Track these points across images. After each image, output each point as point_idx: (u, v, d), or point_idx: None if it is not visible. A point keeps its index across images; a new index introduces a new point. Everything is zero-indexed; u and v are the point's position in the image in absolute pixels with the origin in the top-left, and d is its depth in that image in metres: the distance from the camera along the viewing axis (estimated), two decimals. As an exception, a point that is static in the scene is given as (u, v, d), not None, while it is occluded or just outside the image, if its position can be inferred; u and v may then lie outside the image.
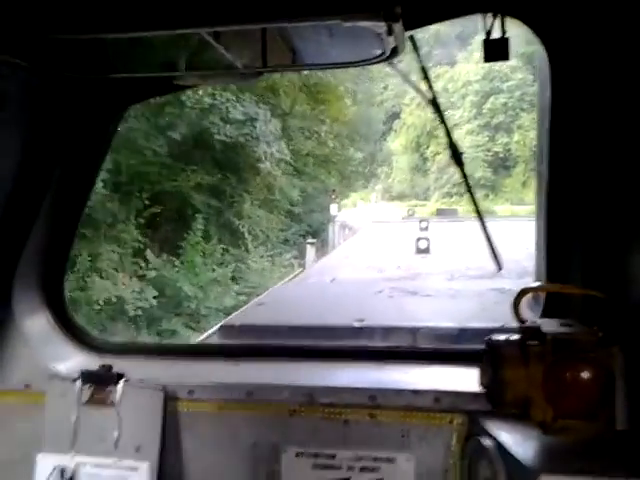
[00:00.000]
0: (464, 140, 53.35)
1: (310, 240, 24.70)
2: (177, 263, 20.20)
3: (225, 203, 22.99)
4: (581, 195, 2.03)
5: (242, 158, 22.49)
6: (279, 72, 2.93)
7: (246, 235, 22.99)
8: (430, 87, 2.28)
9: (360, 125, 37.83)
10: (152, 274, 19.13)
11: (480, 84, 58.99)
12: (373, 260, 8.16)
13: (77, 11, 1.70)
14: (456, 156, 2.28)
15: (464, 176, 2.34)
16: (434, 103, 2.29)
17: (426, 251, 8.61)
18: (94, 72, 2.15)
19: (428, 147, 60.08)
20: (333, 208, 25.28)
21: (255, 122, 21.40)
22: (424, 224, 10.59)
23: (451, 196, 51.42)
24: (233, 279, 21.18)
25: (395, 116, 65.09)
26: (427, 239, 8.79)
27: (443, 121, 2.34)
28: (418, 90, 2.26)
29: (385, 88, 61.56)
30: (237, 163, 22.64)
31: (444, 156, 54.47)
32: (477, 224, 2.39)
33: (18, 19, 1.70)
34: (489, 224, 2.42)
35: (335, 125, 30.18)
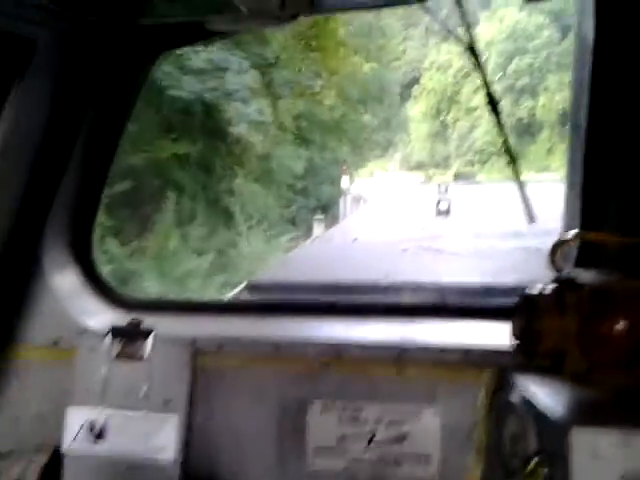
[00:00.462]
0: (486, 105, 50.91)
1: (318, 216, 23.35)
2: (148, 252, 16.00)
3: (213, 177, 19.04)
4: (619, 146, 1.97)
5: (215, 121, 17.89)
6: (305, 15, 2.87)
7: (237, 214, 19.29)
8: (469, 33, 2.19)
9: (374, 88, 34.31)
10: (107, 268, 13.33)
11: (504, 44, 54.48)
12: (393, 223, 8.12)
13: None
14: (493, 105, 2.21)
15: (500, 125, 2.27)
16: (472, 49, 2.21)
17: (446, 213, 8.55)
18: (125, 18, 2.12)
19: (448, 113, 56.40)
20: (344, 180, 24.56)
21: (224, 73, 16.53)
22: (443, 187, 10.52)
23: (472, 164, 49.16)
24: (220, 267, 16.74)
25: (414, 81, 60.86)
26: (447, 200, 8.72)
27: (481, 68, 2.26)
28: (454, 35, 2.18)
29: (404, 52, 58.65)
30: (212, 127, 17.96)
31: (465, 122, 53.15)
32: (494, 187, 2.34)
33: None
34: (506, 187, 2.36)
35: (336, 80, 26.66)
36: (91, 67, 2.33)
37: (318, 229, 19.90)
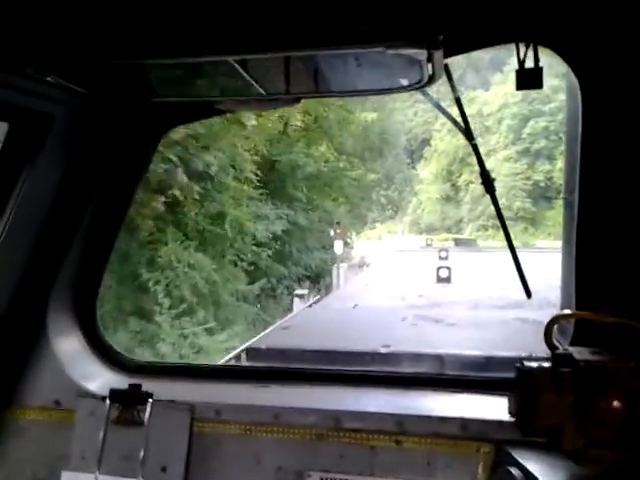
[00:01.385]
0: (501, 168, 49.96)
1: (299, 291, 20.12)
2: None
3: (134, 244, 14.28)
4: (611, 224, 2.03)
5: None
6: (307, 97, 3.01)
7: (160, 296, 14.12)
8: (463, 115, 2.30)
9: (375, 139, 32.10)
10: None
11: (518, 107, 53.74)
12: (394, 288, 8.14)
13: (120, 38, 1.77)
14: (487, 183, 2.30)
15: (495, 204, 2.35)
16: (467, 132, 2.31)
17: (447, 280, 8.57)
18: (137, 96, 2.22)
19: (460, 175, 55.01)
20: (337, 245, 22.52)
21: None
22: (444, 253, 10.57)
23: (486, 229, 47.74)
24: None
25: (425, 143, 60.72)
26: (448, 268, 8.76)
27: (476, 149, 2.36)
28: (451, 118, 2.28)
29: (415, 114, 58.92)
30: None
31: (478, 185, 50.25)
32: (495, 254, 2.40)
33: (66, 44, 1.77)
34: (504, 255, 2.42)
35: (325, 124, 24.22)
36: (103, 141, 2.43)
37: (301, 305, 14.78)
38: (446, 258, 10.17)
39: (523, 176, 52.53)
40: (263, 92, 2.07)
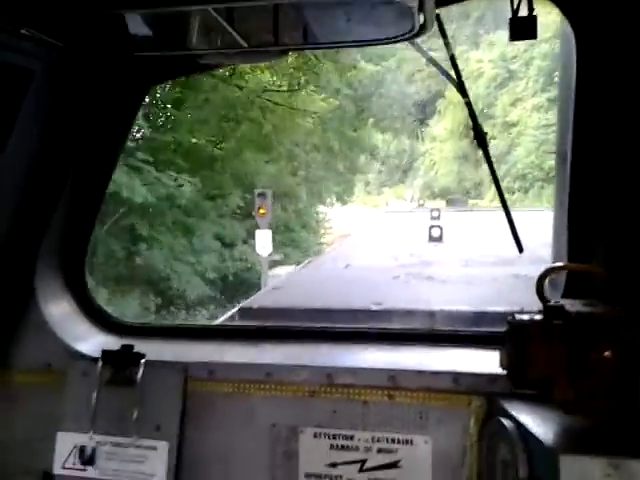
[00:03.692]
0: (528, 119, 43.13)
1: None
2: None
3: None
4: (605, 177, 2.01)
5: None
6: (293, 50, 2.94)
7: None
8: (457, 71, 2.25)
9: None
10: None
11: (550, 44, 38.49)
12: (386, 248, 8.15)
13: None
14: (479, 137, 2.26)
15: (488, 159, 2.32)
16: (461, 87, 2.27)
17: (439, 239, 8.59)
18: (118, 50, 2.16)
19: None
20: (260, 239, 15.45)
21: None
22: (435, 213, 10.57)
23: (512, 192, 38.60)
24: None
25: (438, 95, 51.53)
26: (440, 227, 8.77)
27: (470, 106, 2.32)
28: (444, 72, 2.24)
29: (428, 64, 53.95)
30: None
31: (501, 141, 42.69)
32: (487, 213, 2.38)
33: None
34: (495, 215, 2.40)
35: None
36: (83, 97, 2.37)
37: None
38: (438, 218, 10.17)
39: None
40: (246, 45, 2.02)
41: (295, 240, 22.14)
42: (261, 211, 15.71)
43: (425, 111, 52.68)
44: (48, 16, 1.78)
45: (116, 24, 1.97)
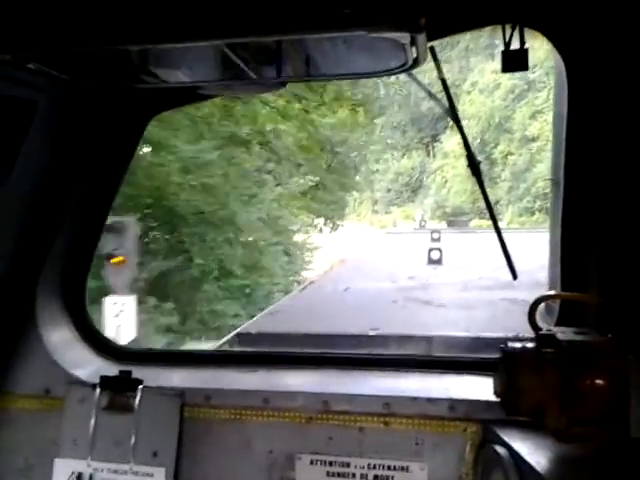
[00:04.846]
0: (550, 133, 34.74)
1: None
2: None
3: None
4: (597, 204, 2.04)
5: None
6: (296, 82, 2.99)
7: None
8: (449, 96, 2.30)
9: None
10: None
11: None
12: (386, 271, 8.16)
13: (103, 23, 1.75)
14: (473, 165, 2.30)
15: (481, 186, 2.35)
16: (453, 112, 2.31)
17: (438, 262, 8.59)
18: (120, 83, 2.20)
19: (496, 146, 42.49)
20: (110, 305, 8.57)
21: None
22: (436, 235, 10.57)
23: (532, 213, 36.17)
24: None
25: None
26: (439, 250, 8.77)
27: (461, 130, 2.36)
28: (436, 99, 2.29)
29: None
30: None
31: (520, 157, 39.39)
32: (487, 235, 2.40)
33: (48, 30, 1.75)
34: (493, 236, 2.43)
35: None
36: (88, 128, 2.41)
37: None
38: (438, 240, 10.16)
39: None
40: (253, 76, 2.07)
41: (234, 292, 14.83)
42: (114, 260, 8.60)
43: (436, 126, 49.39)
44: (53, 51, 1.82)
45: (118, 57, 2.02)
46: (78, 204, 2.50)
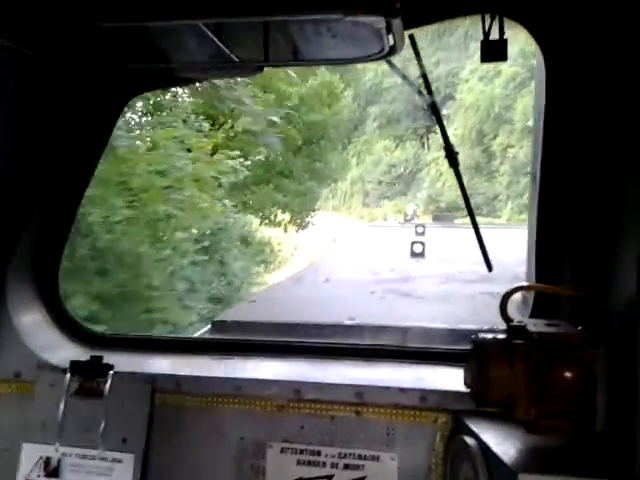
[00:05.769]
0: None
1: None
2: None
3: None
4: (572, 198, 2.05)
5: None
6: (279, 67, 2.97)
7: None
8: (429, 90, 2.30)
9: None
10: None
11: None
12: (367, 263, 8.16)
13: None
14: (451, 156, 2.29)
15: (459, 178, 2.35)
16: (433, 107, 2.31)
17: (421, 255, 8.60)
18: (95, 62, 2.16)
19: (495, 137, 40.46)
20: None
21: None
22: (420, 229, 10.59)
23: None
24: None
25: (447, 98, 45.24)
26: (422, 243, 8.78)
27: (440, 123, 2.36)
28: (416, 89, 2.28)
29: (436, 64, 45.79)
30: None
31: (521, 149, 36.63)
32: (471, 230, 2.40)
33: (20, 5, 1.71)
34: (487, 231, 2.44)
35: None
36: (59, 109, 2.37)
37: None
38: (422, 234, 10.17)
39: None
40: (236, 59, 2.04)
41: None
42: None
43: (432, 117, 48.96)
44: (21, 26, 1.78)
45: (92, 35, 1.98)
46: (51, 185, 2.46)
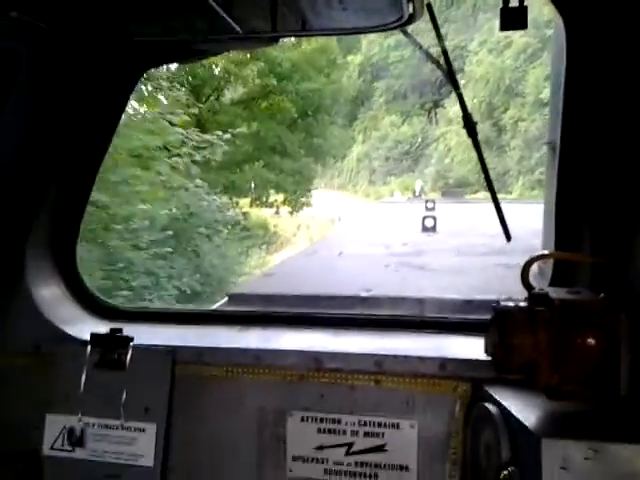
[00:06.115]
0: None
1: None
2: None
3: None
4: (591, 167, 2.03)
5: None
6: (289, 37, 2.92)
7: None
8: (449, 64, 2.26)
9: None
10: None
11: None
12: (380, 237, 8.17)
13: None
14: (469, 127, 2.26)
15: (478, 149, 2.31)
16: (453, 80, 2.27)
17: (432, 229, 8.61)
18: (108, 35, 2.15)
19: (506, 110, 38.82)
20: None
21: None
22: (430, 204, 10.58)
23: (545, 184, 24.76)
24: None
25: (456, 71, 33.04)
26: (434, 217, 8.78)
27: (461, 98, 2.32)
28: (435, 61, 2.25)
29: (445, 37, 42.32)
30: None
31: (532, 123, 35.62)
32: (481, 205, 2.38)
33: None
34: (490, 206, 2.42)
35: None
36: (76, 82, 2.35)
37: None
38: (433, 209, 10.16)
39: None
40: (240, 31, 2.02)
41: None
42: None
43: (440, 91, 45.47)
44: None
45: (105, 7, 1.96)
46: (68, 159, 2.46)
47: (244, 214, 18.79)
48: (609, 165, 1.98)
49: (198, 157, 12.44)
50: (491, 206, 2.30)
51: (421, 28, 2.28)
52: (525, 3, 2.00)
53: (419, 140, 47.43)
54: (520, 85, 37.71)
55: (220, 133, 13.81)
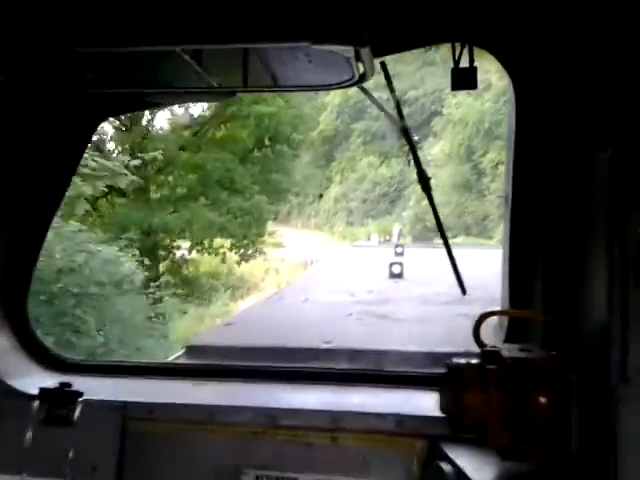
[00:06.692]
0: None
1: None
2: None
3: None
4: (543, 222, 2.06)
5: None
6: (257, 93, 2.97)
7: None
8: (401, 116, 2.31)
9: None
10: None
11: None
12: (346, 284, 8.17)
13: (51, 25, 1.70)
14: (423, 181, 2.31)
15: (432, 203, 2.36)
16: (405, 132, 2.32)
17: (399, 276, 8.63)
18: (68, 86, 2.14)
19: (485, 154, 37.57)
20: None
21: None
22: (399, 249, 10.64)
23: None
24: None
25: (434, 114, 43.58)
26: (401, 264, 8.82)
27: (413, 149, 2.37)
28: (388, 115, 2.29)
29: (422, 81, 44.02)
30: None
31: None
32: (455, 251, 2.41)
33: None
34: (466, 252, 2.45)
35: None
36: (32, 131, 2.34)
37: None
38: (402, 254, 10.23)
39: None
40: (216, 85, 2.04)
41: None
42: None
43: (418, 132, 42.08)
44: None
45: (65, 60, 1.96)
46: (20, 208, 2.42)
47: (185, 262, 16.89)
48: (559, 222, 2.01)
49: (87, 188, 9.43)
50: (461, 252, 2.32)
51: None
52: (475, 64, 2.07)
53: (397, 182, 47.55)
54: (500, 128, 35.98)
55: (126, 159, 11.65)
